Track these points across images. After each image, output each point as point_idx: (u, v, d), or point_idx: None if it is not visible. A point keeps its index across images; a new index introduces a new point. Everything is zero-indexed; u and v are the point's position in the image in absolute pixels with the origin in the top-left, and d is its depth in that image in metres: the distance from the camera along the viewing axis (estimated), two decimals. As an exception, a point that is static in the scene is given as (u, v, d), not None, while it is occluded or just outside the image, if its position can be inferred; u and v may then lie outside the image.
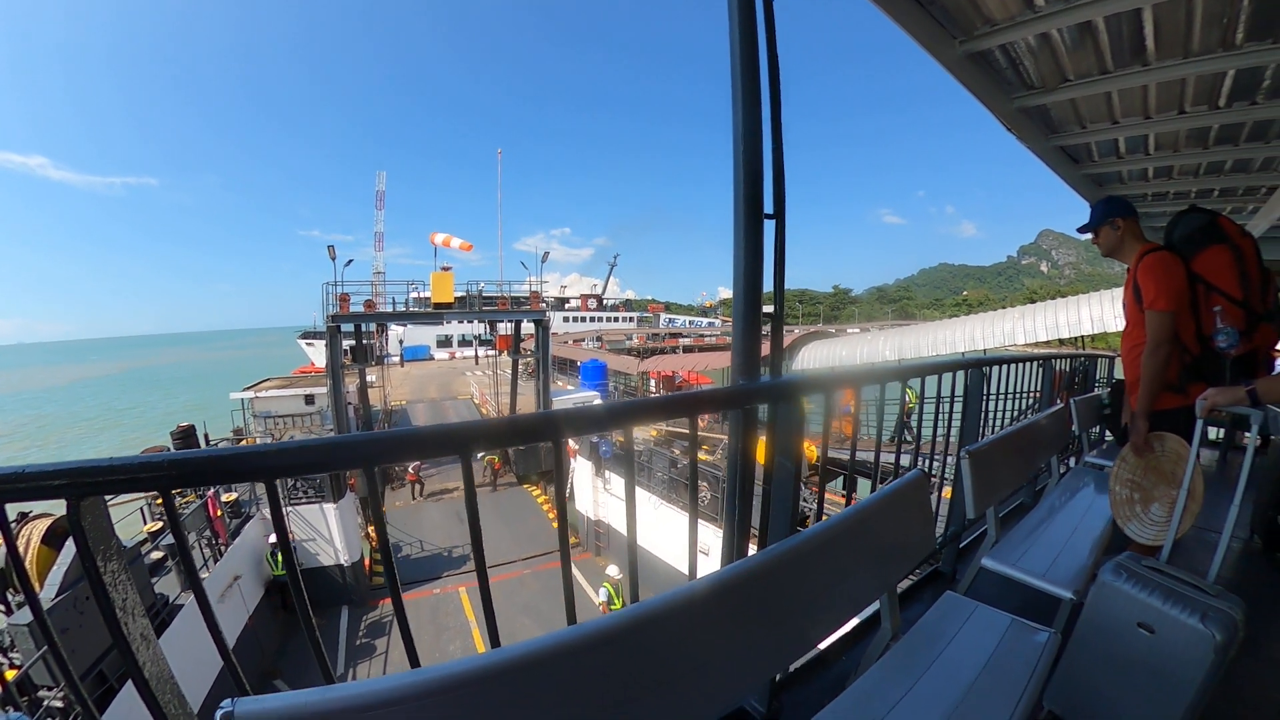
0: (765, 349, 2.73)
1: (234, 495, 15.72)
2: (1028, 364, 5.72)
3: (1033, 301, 29.36)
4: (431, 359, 57.80)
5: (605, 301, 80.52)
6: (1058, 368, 6.76)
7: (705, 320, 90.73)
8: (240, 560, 14.04)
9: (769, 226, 2.53)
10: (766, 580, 1.54)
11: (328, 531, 16.45)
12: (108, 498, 1.42)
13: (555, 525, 19.74)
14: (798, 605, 1.62)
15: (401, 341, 47.46)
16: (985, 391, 4.31)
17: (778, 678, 2.51)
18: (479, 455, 23.90)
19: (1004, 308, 34.88)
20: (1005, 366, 5.00)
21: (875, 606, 2.09)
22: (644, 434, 20.12)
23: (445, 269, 26.67)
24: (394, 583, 1.68)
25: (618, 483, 19.11)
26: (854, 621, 2.61)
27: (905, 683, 1.85)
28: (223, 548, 13.66)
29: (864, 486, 7.96)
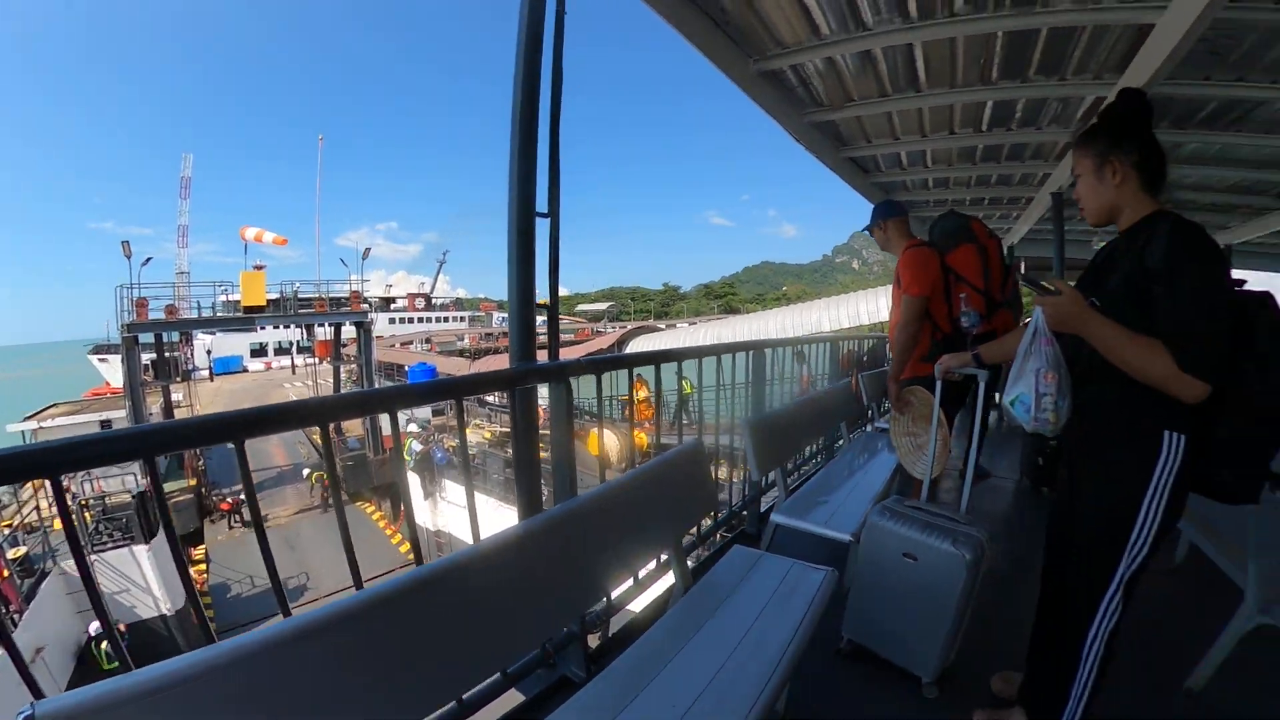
0: (607, 341, 2.98)
1: (22, 550, 12.94)
2: (820, 345, 6.37)
3: (847, 294, 32.61)
4: (245, 370, 51.32)
5: (434, 301, 76.34)
6: (845, 348, 7.41)
7: (540, 318, 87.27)
8: (42, 627, 11.14)
9: (543, 225, 2.74)
10: (548, 539, 1.77)
11: (142, 578, 13.99)
12: None
13: (395, 542, 19.12)
14: (583, 560, 1.86)
15: (210, 352, 41.89)
16: (772, 373, 4.81)
17: (595, 645, 2.71)
18: (305, 473, 22.26)
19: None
20: (785, 349, 5.46)
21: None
22: (477, 437, 19.98)
23: (258, 267, 24.83)
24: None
25: (454, 490, 18.85)
26: (665, 585, 2.85)
27: (694, 626, 2.07)
28: (15, 616, 10.71)
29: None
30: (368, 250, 29.92)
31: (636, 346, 32.63)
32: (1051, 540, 2.13)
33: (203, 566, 17.42)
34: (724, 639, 1.99)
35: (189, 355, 31.19)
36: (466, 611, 1.49)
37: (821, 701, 2.47)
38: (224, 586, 16.82)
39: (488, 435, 20.47)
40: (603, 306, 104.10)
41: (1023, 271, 1.97)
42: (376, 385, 24.24)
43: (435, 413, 22.79)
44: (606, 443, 14.98)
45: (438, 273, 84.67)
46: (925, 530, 2.37)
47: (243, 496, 20.79)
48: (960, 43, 4.41)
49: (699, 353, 3.80)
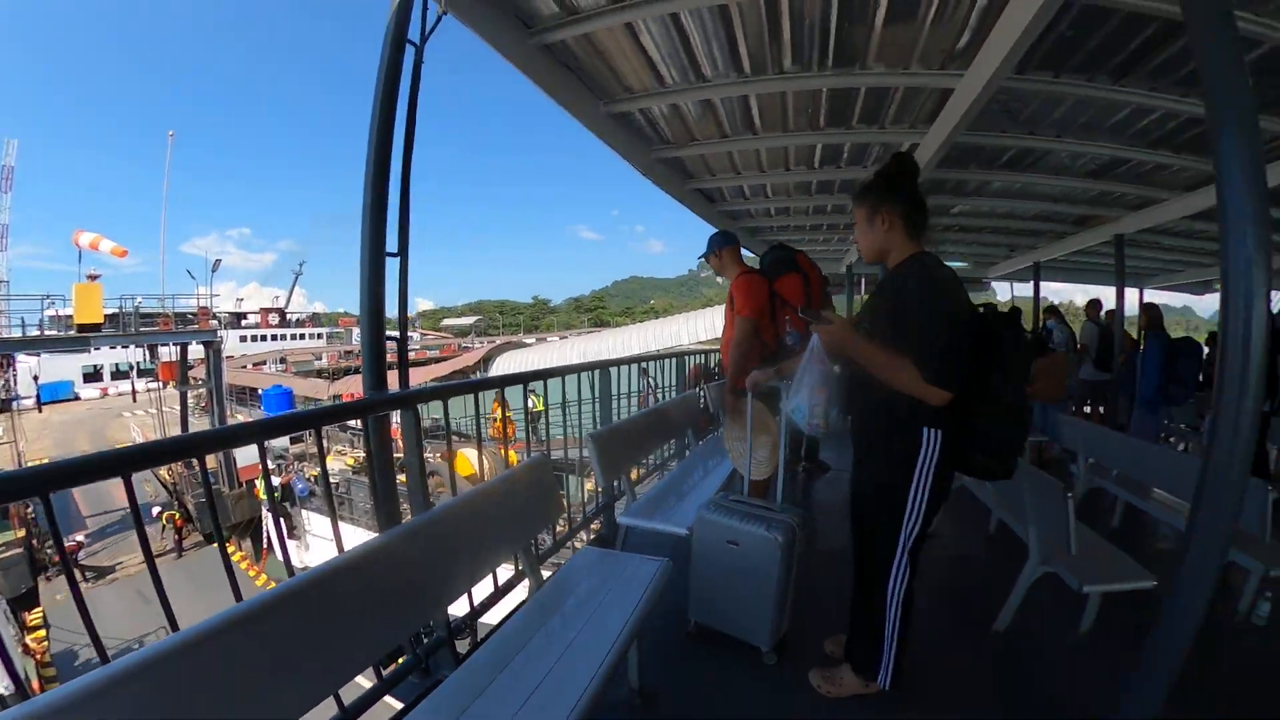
0: (474, 358, 3.27)
1: None
2: (668, 360, 6.82)
3: (707, 308, 34.04)
4: (77, 398, 46.04)
5: (290, 316, 70.55)
6: (693, 362, 7.86)
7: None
8: None
9: (393, 264, 3.01)
10: (406, 547, 1.99)
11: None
12: None
13: (261, 584, 17.31)
14: (440, 565, 2.09)
15: (36, 378, 34.38)
16: (617, 389, 5.25)
17: (466, 649, 2.86)
18: (155, 512, 20.30)
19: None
20: (631, 365, 5.92)
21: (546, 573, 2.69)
22: (340, 464, 19.34)
23: (92, 278, 22.13)
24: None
25: (319, 522, 18.13)
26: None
27: (543, 619, 2.34)
28: None
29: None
30: (218, 261, 27.68)
31: (502, 362, 32.68)
32: (853, 520, 2.58)
33: (41, 633, 14.89)
34: (568, 626, 2.27)
35: (11, 381, 26.56)
36: (335, 617, 1.65)
37: (676, 677, 2.81)
38: (70, 654, 14.23)
39: (350, 461, 19.87)
40: (469, 321, 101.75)
41: (803, 309, 2.41)
42: (228, 411, 22.79)
43: (294, 440, 21.42)
44: (477, 462, 15.00)
45: (293, 285, 76.96)
46: (744, 519, 2.79)
47: (81, 539, 18.83)
48: (790, 96, 5.02)
49: (544, 375, 4.15)
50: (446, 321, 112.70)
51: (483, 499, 2.45)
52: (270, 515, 16.56)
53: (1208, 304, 16.01)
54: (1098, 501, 5.05)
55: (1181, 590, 1.79)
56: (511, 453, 11.59)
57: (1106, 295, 10.12)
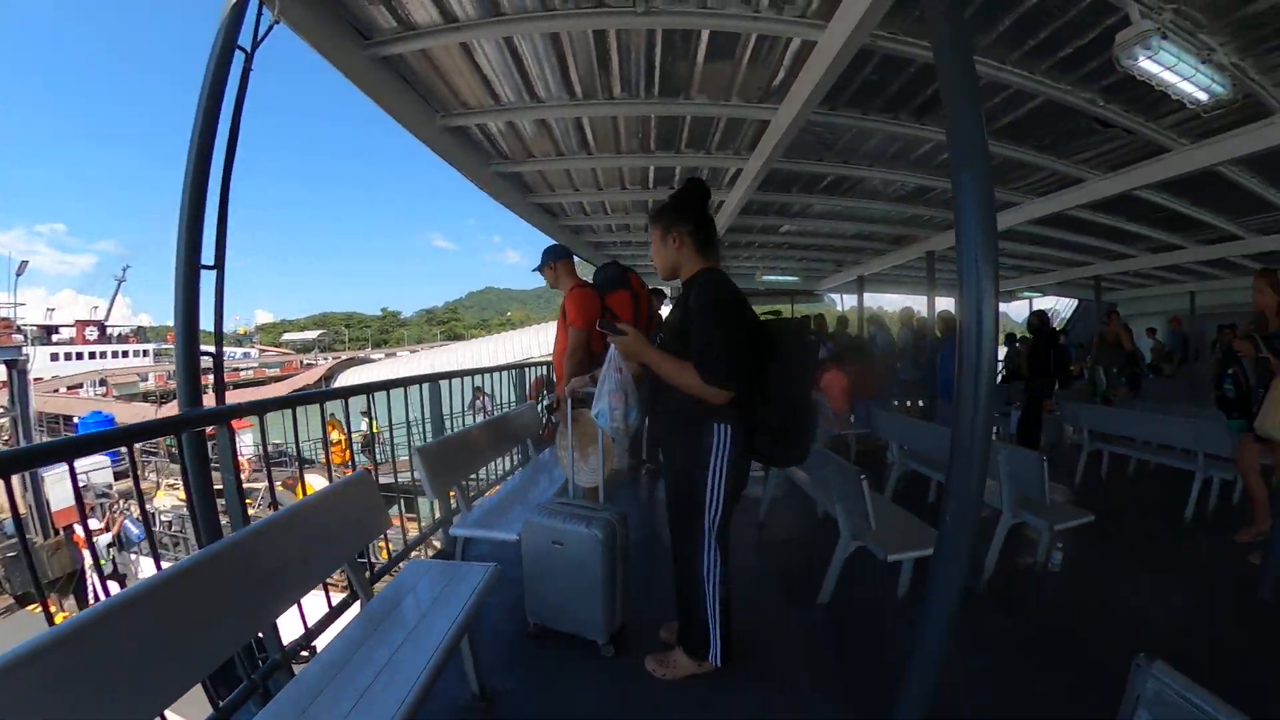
0: (316, 375, 3.23)
1: None
2: (507, 372, 6.88)
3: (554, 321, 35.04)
4: None
5: (111, 330, 59.57)
6: (535, 374, 7.92)
7: (240, 351, 73.37)
8: None
9: (209, 276, 2.99)
10: (226, 564, 1.97)
11: None
12: None
13: None
14: (256, 585, 2.07)
15: None
16: (450, 404, 5.26)
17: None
18: None
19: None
20: (462, 379, 5.86)
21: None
22: (174, 499, 17.28)
23: None
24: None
25: (147, 565, 16.11)
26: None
27: (371, 630, 2.36)
28: None
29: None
30: (24, 264, 24.03)
31: (346, 380, 31.29)
32: (667, 512, 2.80)
33: None
34: (396, 633, 2.33)
35: None
36: (156, 637, 1.63)
37: (518, 677, 2.90)
38: None
39: (182, 498, 17.87)
40: (313, 335, 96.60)
41: (601, 322, 2.63)
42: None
43: (118, 475, 18.50)
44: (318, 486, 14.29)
45: (115, 294, 66.85)
46: (567, 520, 2.96)
47: None
48: (621, 120, 5.30)
49: (367, 389, 4.11)
50: (288, 336, 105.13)
51: (301, 517, 2.45)
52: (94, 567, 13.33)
53: (1017, 309, 18.60)
54: (915, 482, 5.65)
55: (943, 548, 2.05)
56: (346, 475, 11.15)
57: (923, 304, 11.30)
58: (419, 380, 4.95)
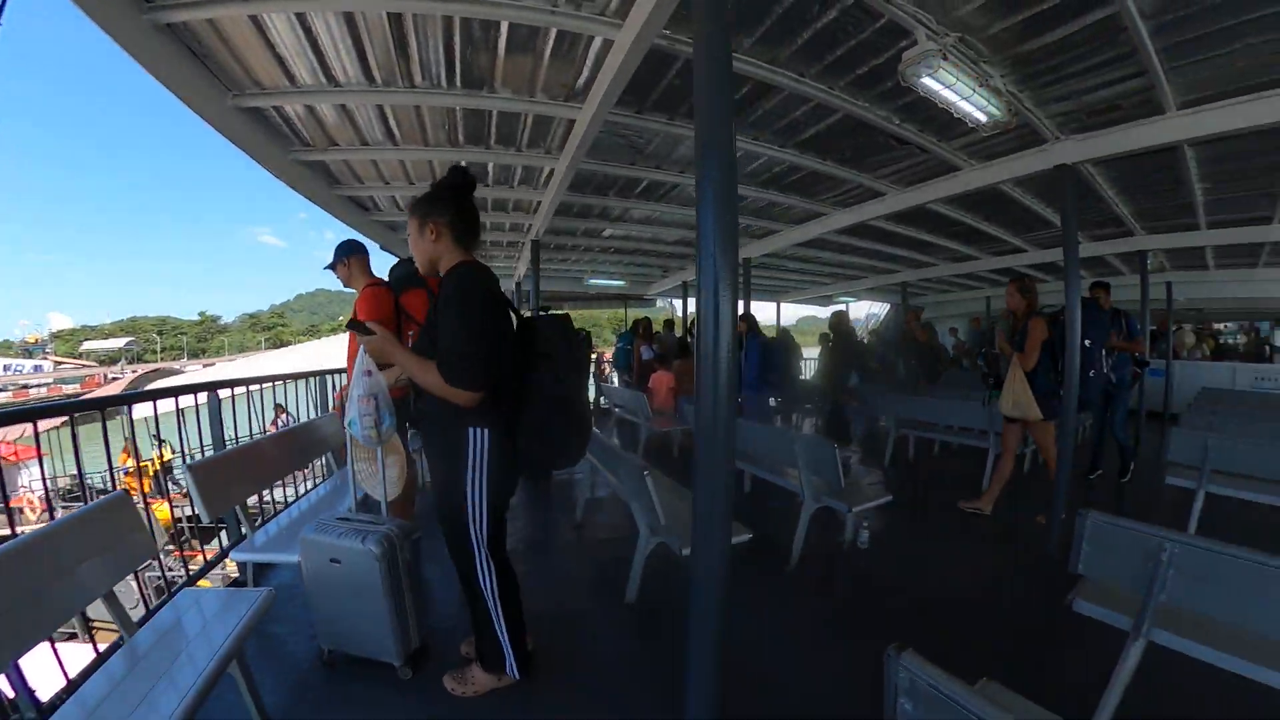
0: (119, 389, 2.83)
1: None
2: (308, 380, 6.43)
3: None
4: None
5: None
6: (341, 382, 7.45)
7: (30, 364, 62.62)
8: None
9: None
10: None
11: None
12: None
13: None
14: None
15: None
16: (234, 417, 4.75)
17: None
18: None
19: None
20: (261, 389, 5.62)
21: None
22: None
23: None
24: None
25: None
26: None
27: (130, 665, 2.14)
28: None
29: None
30: None
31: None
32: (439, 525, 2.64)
33: None
34: (154, 667, 2.10)
35: None
36: None
37: (311, 708, 2.68)
38: None
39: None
40: (120, 344, 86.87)
41: (350, 321, 2.46)
42: None
43: None
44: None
45: None
46: (342, 535, 2.73)
47: None
48: (425, 110, 5.07)
49: (103, 403, 3.54)
50: (90, 344, 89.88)
51: (49, 540, 2.15)
52: None
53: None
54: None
55: (697, 539, 2.02)
56: (163, 508, 10.16)
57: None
58: (192, 389, 4.35)
